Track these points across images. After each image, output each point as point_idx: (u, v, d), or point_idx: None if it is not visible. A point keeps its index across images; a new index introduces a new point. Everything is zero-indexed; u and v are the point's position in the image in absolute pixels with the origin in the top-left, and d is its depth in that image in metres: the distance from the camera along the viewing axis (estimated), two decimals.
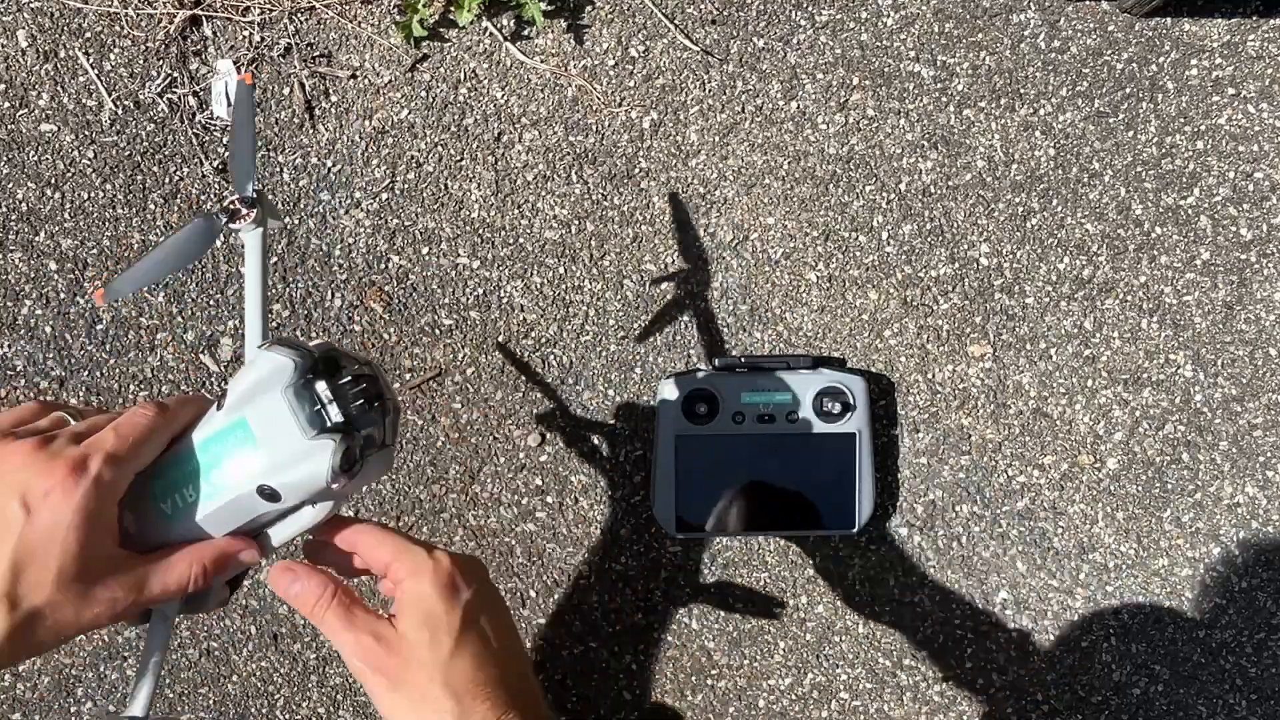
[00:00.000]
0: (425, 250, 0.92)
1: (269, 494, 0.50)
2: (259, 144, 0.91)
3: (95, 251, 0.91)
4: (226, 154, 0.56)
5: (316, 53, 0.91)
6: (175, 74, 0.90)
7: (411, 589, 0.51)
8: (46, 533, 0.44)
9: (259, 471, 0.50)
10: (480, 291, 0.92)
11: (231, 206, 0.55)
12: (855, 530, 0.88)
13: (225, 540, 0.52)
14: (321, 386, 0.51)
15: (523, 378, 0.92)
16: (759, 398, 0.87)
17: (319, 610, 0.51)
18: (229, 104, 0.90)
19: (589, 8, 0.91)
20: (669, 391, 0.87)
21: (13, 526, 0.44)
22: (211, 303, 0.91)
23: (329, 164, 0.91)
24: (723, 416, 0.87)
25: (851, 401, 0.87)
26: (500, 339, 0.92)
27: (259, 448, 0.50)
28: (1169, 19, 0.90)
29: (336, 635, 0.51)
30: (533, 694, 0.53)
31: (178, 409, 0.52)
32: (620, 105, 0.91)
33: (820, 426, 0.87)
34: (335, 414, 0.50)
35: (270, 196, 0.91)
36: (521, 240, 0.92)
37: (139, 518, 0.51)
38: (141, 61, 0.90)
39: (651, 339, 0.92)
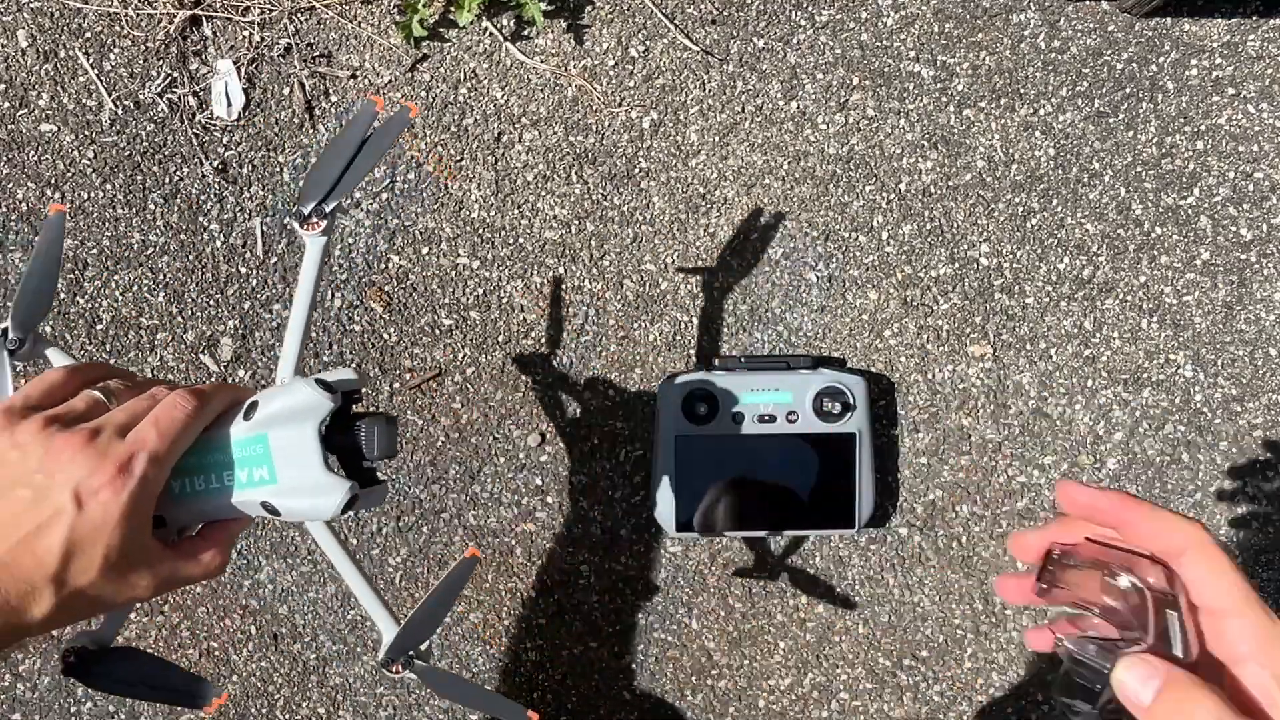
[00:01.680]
0: (425, 250, 0.92)
1: (270, 509, 0.54)
2: (267, 143, 0.91)
3: (95, 251, 0.91)
4: (321, 158, 0.60)
5: (316, 53, 0.91)
6: (175, 74, 0.90)
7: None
8: (95, 526, 0.49)
9: (269, 491, 0.54)
10: (480, 291, 0.92)
11: (303, 212, 0.58)
12: (855, 530, 0.88)
13: (238, 524, 0.57)
14: (355, 428, 0.55)
15: (523, 378, 0.92)
16: (759, 398, 0.87)
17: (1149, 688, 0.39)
18: (229, 104, 0.90)
19: (589, 8, 0.91)
20: (669, 391, 0.87)
21: (64, 516, 0.48)
22: (211, 303, 0.91)
23: None
24: (723, 416, 0.87)
25: (851, 401, 0.86)
26: (500, 339, 0.92)
27: (275, 469, 0.54)
28: (1169, 19, 0.90)
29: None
30: None
31: (212, 399, 0.54)
32: (620, 105, 0.91)
33: (820, 426, 0.87)
34: (363, 456, 0.55)
35: (272, 196, 0.91)
36: (521, 240, 0.92)
37: None
38: (141, 61, 0.90)
39: (651, 339, 0.92)
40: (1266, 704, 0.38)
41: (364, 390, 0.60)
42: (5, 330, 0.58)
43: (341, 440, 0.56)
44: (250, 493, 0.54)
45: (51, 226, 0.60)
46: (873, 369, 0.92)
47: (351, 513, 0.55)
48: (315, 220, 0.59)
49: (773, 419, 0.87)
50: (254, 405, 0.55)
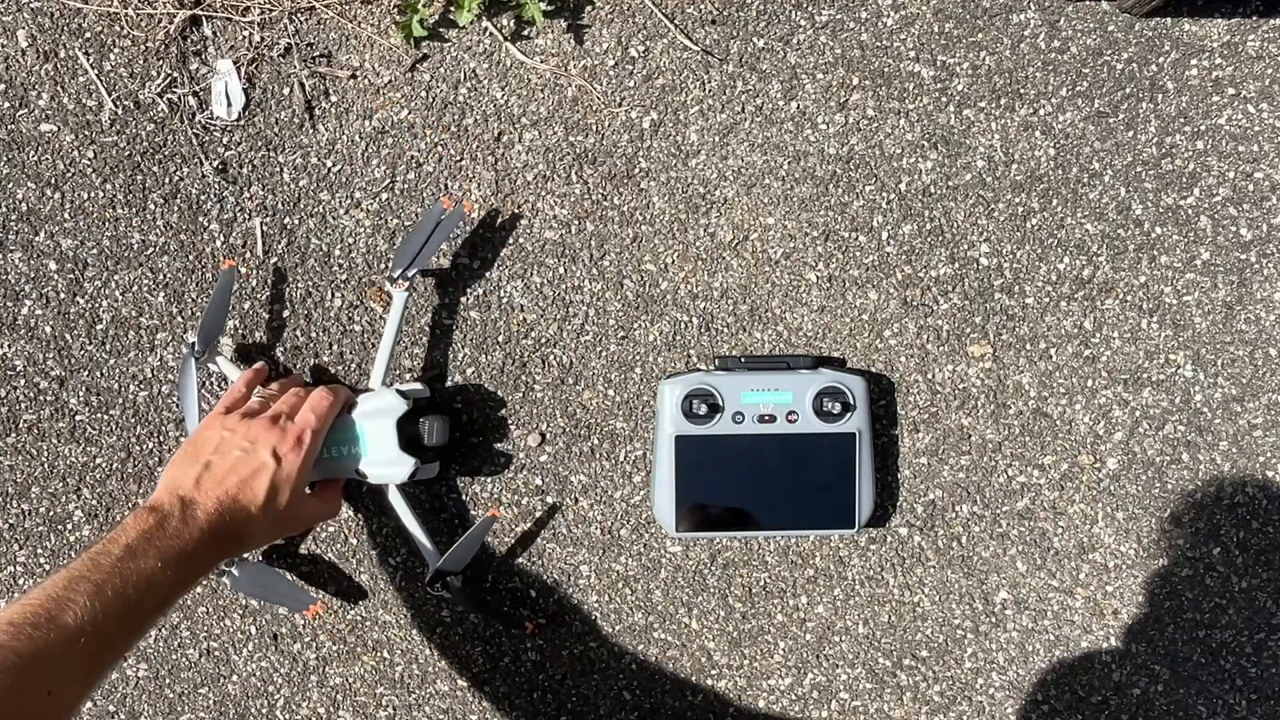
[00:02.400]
0: None
1: (360, 475, 0.85)
2: (267, 143, 0.91)
3: (95, 251, 0.91)
4: (405, 239, 0.87)
5: (316, 53, 0.91)
6: (175, 74, 0.90)
7: None
8: (286, 475, 0.77)
9: (361, 462, 0.84)
10: (480, 291, 0.92)
11: (394, 276, 0.86)
12: (855, 530, 0.88)
13: (339, 483, 0.88)
14: (419, 423, 0.85)
15: (523, 378, 0.92)
16: (759, 397, 0.87)
17: None
18: (229, 104, 0.90)
19: (589, 8, 0.90)
20: (669, 391, 0.87)
21: (268, 468, 0.76)
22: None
23: (329, 164, 0.91)
24: (723, 416, 0.87)
25: (851, 401, 0.87)
26: (500, 339, 0.92)
27: (366, 448, 0.84)
28: (1169, 19, 0.90)
29: None
30: None
31: (341, 396, 0.84)
32: (620, 105, 0.91)
33: (820, 426, 0.87)
34: (423, 442, 0.86)
35: (272, 196, 0.91)
36: (521, 240, 0.92)
37: None
38: (141, 61, 0.90)
39: (651, 339, 0.92)
40: None
41: (432, 396, 0.91)
42: (194, 345, 0.85)
43: (411, 431, 0.85)
44: (348, 462, 0.84)
45: (224, 277, 0.86)
46: (873, 369, 0.92)
47: (414, 478, 0.85)
48: (401, 281, 0.86)
49: (773, 419, 0.87)
50: (354, 404, 0.84)
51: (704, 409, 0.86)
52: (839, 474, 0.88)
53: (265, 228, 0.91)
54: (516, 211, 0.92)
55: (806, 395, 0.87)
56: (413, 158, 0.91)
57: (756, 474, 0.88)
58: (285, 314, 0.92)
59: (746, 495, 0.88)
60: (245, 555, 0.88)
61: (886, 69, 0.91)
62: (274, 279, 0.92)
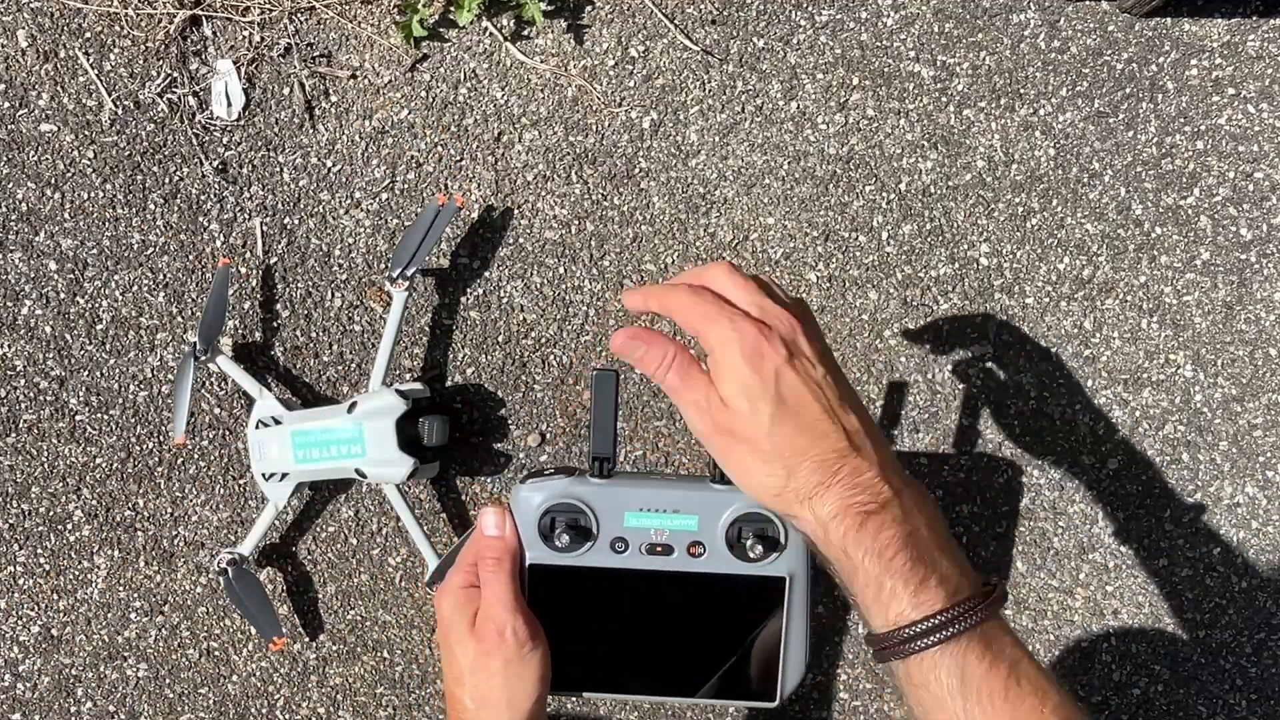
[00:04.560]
0: None
1: (360, 474, 0.85)
2: (267, 143, 0.91)
3: (95, 251, 0.91)
4: (403, 238, 0.86)
5: (316, 53, 0.91)
6: (175, 74, 0.90)
7: (721, 360, 0.53)
8: None
9: (361, 461, 0.84)
10: (480, 291, 0.92)
11: (393, 276, 0.85)
12: (775, 704, 0.64)
13: None
14: (419, 423, 0.85)
15: (523, 378, 0.92)
16: (650, 520, 0.61)
17: (660, 372, 0.55)
18: (229, 104, 0.90)
19: (589, 8, 0.91)
20: (525, 501, 0.61)
21: None
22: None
23: (329, 164, 0.91)
24: (598, 542, 0.61)
25: (780, 536, 0.60)
26: (500, 339, 0.92)
27: (366, 447, 0.84)
28: (1169, 19, 0.90)
29: (676, 397, 0.55)
30: (863, 449, 0.53)
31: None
32: (620, 105, 0.91)
33: (735, 566, 0.61)
34: (422, 442, 0.86)
35: (272, 196, 0.91)
36: (521, 240, 0.92)
37: None
38: (141, 61, 0.90)
39: None
40: (712, 375, 0.53)
41: (432, 396, 0.91)
42: (195, 345, 0.85)
43: (411, 431, 0.85)
44: (348, 462, 0.84)
45: (220, 275, 0.87)
46: (873, 369, 0.92)
47: (414, 478, 0.85)
48: (401, 281, 0.85)
49: (669, 550, 0.61)
50: (354, 404, 0.84)
51: (569, 534, 0.60)
52: (758, 632, 0.63)
53: (265, 228, 0.91)
54: (516, 211, 0.92)
55: (718, 522, 0.60)
56: (413, 158, 0.91)
57: (644, 623, 0.63)
58: (285, 314, 0.92)
59: (627, 650, 0.63)
60: (246, 561, 0.88)
61: (886, 69, 0.91)
62: (274, 279, 0.92)
